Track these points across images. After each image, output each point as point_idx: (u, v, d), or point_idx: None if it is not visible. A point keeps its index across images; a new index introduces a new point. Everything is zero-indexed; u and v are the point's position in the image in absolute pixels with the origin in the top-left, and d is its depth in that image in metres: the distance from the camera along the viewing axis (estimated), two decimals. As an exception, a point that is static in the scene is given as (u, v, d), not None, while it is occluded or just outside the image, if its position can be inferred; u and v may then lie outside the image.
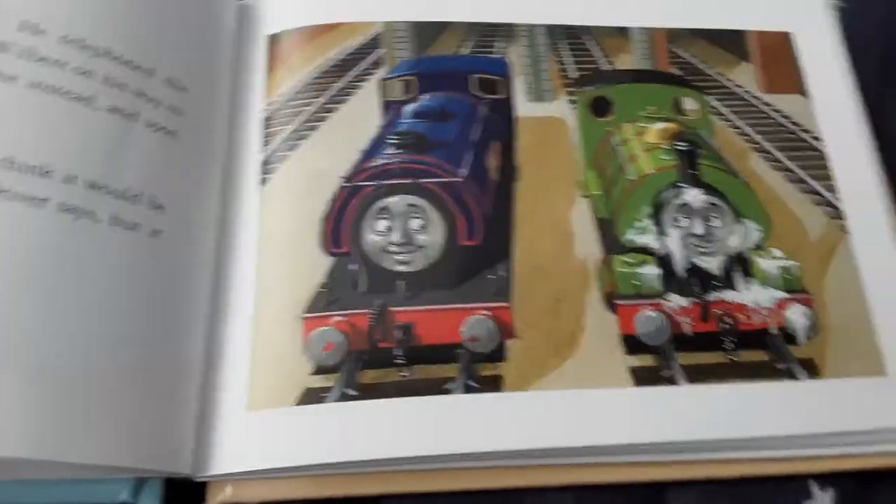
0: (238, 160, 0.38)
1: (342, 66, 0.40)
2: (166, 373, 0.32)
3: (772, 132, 0.41)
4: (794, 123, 0.41)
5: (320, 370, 0.34)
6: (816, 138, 0.41)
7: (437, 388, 0.33)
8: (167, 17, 0.37)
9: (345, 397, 0.33)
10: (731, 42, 0.43)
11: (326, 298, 0.35)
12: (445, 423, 0.33)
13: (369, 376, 0.34)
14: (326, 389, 0.33)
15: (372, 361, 0.34)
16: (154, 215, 0.34)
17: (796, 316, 0.36)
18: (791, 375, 0.35)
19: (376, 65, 0.41)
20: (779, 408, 0.34)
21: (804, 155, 0.41)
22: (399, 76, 0.40)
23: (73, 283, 0.30)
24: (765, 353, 0.36)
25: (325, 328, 0.34)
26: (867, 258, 0.38)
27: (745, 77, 0.42)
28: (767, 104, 0.42)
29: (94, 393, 0.30)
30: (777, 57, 0.43)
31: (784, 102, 0.42)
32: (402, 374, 0.34)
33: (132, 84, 0.34)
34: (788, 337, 0.36)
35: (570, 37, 0.42)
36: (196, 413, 0.33)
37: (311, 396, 0.33)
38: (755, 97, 0.42)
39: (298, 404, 0.33)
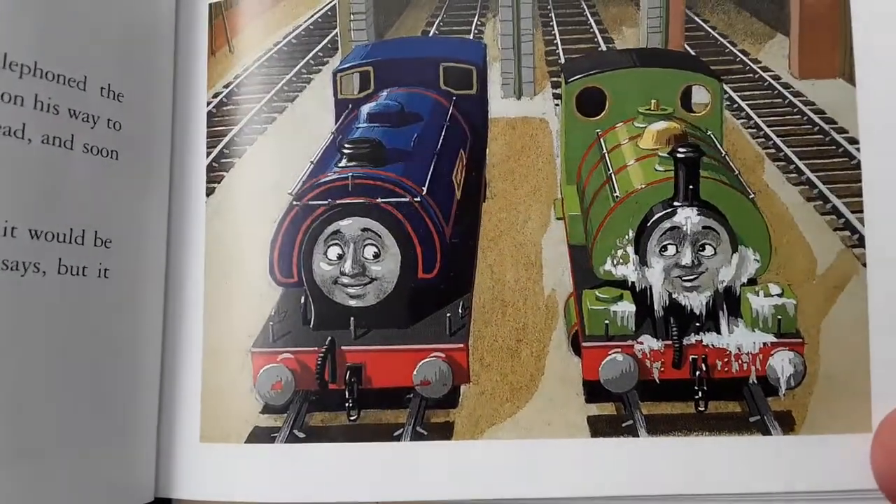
0: (183, 166, 0.36)
1: (292, 53, 0.36)
2: (124, 411, 0.33)
3: (796, 132, 0.35)
4: (828, 120, 0.35)
5: (269, 409, 0.34)
6: (852, 140, 0.35)
7: (386, 434, 0.34)
8: (90, 15, 0.33)
9: (293, 439, 0.34)
10: (767, 5, 0.36)
11: (275, 332, 0.34)
12: (393, 470, 0.33)
13: (318, 419, 0.34)
14: (276, 430, 0.34)
15: (320, 403, 0.34)
16: (100, 253, 0.32)
17: (781, 364, 0.34)
18: (763, 430, 0.33)
19: (330, 51, 0.36)
20: (742, 464, 0.33)
21: (831, 163, 0.35)
22: (354, 67, 0.35)
23: (24, 338, 0.30)
24: (738, 404, 0.34)
25: (274, 365, 0.34)
26: (882, 297, 0.34)
27: (776, 56, 0.35)
28: (798, 94, 0.35)
29: (63, 457, 0.31)
30: (823, 27, 0.35)
31: (821, 91, 0.35)
32: (350, 418, 0.34)
33: (64, 103, 0.31)
34: (770, 387, 0.34)
35: (564, 5, 0.36)
36: (155, 444, 0.34)
37: (261, 436, 0.34)
38: (784, 85, 0.35)
39: (248, 442, 0.34)
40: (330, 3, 0.36)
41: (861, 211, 0.34)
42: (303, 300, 0.34)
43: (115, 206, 0.33)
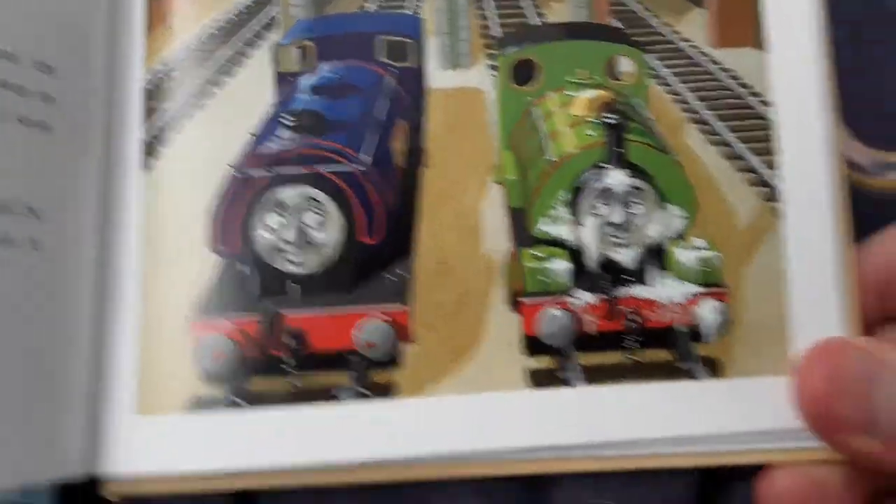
0: (119, 142, 0.36)
1: (230, 30, 0.36)
2: (51, 384, 0.33)
3: (715, 97, 0.37)
4: (743, 85, 0.37)
5: (209, 377, 0.34)
6: (765, 103, 0.37)
7: (328, 396, 0.34)
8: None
9: (235, 406, 0.34)
10: (684, -20, 0.38)
11: (215, 302, 0.35)
12: (335, 431, 0.34)
13: (259, 385, 0.34)
14: (216, 398, 0.34)
15: (261, 369, 0.34)
16: (32, 225, 0.32)
17: (706, 312, 0.35)
18: (691, 375, 0.35)
19: (269, 26, 0.37)
20: (672, 408, 0.35)
21: (747, 124, 0.37)
22: (294, 42, 0.36)
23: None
24: (669, 352, 0.35)
25: (214, 335, 0.34)
26: (797, 248, 0.36)
27: (694, 28, 0.38)
28: (715, 62, 0.38)
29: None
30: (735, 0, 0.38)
31: (735, 58, 0.38)
32: (292, 382, 0.34)
33: None
34: (698, 334, 0.35)
35: (495, -19, 0.37)
36: (86, 417, 0.34)
37: (201, 404, 0.34)
38: (702, 53, 0.38)
39: (188, 411, 0.34)
40: (269, -21, 0.37)
41: (774, 168, 0.37)
42: (243, 269, 0.35)
43: (48, 178, 0.33)
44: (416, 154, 0.36)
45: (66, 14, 0.35)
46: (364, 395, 0.34)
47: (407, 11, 0.37)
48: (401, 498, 0.36)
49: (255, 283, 0.35)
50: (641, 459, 0.35)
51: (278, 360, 0.34)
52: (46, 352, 0.33)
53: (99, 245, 0.35)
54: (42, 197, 0.33)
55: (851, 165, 0.43)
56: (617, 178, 0.36)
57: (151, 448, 0.34)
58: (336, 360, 0.35)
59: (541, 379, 0.35)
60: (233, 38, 0.36)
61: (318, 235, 0.35)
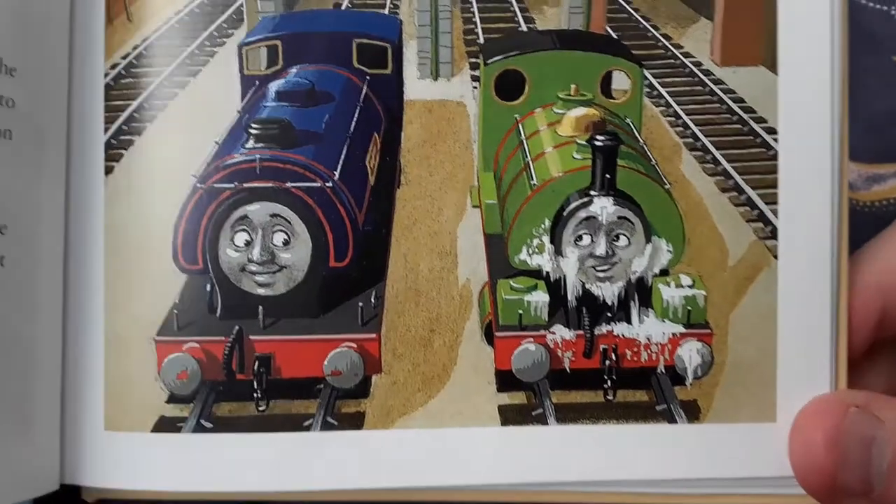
0: (81, 144, 0.34)
1: (194, 23, 0.34)
2: (23, 400, 0.32)
3: (715, 121, 0.35)
4: (747, 109, 0.35)
5: (175, 399, 0.34)
6: (771, 130, 0.35)
7: (295, 424, 0.33)
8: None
9: (200, 428, 0.33)
10: (692, -14, 0.35)
11: (179, 321, 0.34)
12: (302, 460, 0.33)
13: (225, 409, 0.34)
14: (182, 419, 0.33)
15: (228, 394, 0.34)
16: (-3, 240, 0.31)
17: (688, 354, 0.34)
18: (670, 418, 0.34)
19: (235, 23, 0.34)
20: (647, 452, 0.34)
21: (748, 154, 0.35)
22: (261, 41, 0.33)
23: None
24: (646, 393, 0.35)
25: (179, 354, 0.33)
26: (791, 289, 0.34)
27: (698, 41, 0.35)
28: (719, 81, 0.35)
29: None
30: (747, 11, 0.35)
31: (741, 79, 0.35)
32: (259, 408, 0.34)
33: None
34: (678, 377, 0.34)
35: (485, -18, 0.34)
36: (58, 433, 0.34)
37: (167, 425, 0.33)
38: (705, 72, 0.35)
39: (154, 431, 0.33)
40: (236, -31, 0.34)
41: (775, 202, 0.35)
42: (209, 288, 0.34)
43: (9, 190, 0.31)
44: (389, 171, 0.34)
45: (27, 10, 0.32)
46: (332, 425, 0.34)
47: (383, 11, 0.34)
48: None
49: (221, 303, 0.34)
50: (612, 496, 0.35)
51: (245, 386, 0.34)
52: (14, 369, 0.32)
53: (63, 258, 0.34)
54: (4, 210, 0.31)
55: (841, 182, 0.42)
56: (603, 207, 0.34)
57: (121, 464, 0.33)
58: (304, 387, 0.34)
59: (512, 415, 0.34)
60: (196, 33, 0.33)
61: (285, 256, 0.34)
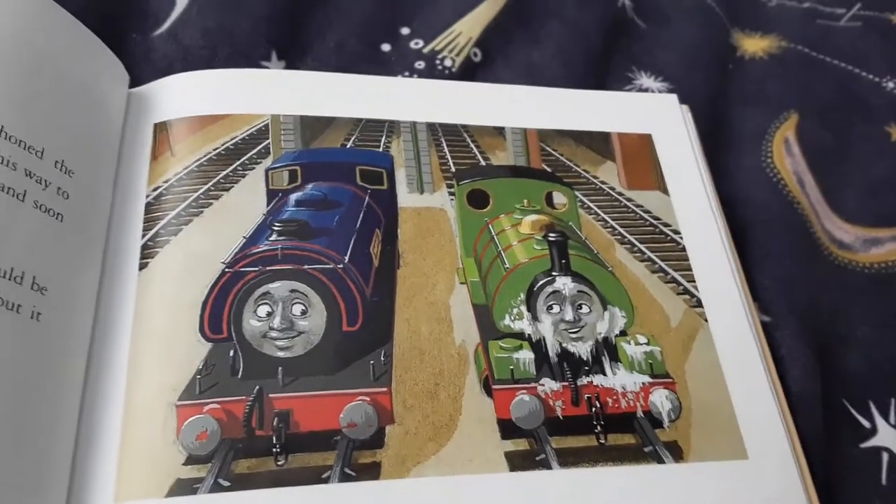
0: (119, 245, 0.39)
1: (228, 156, 0.42)
2: (37, 461, 0.32)
3: (634, 226, 0.46)
4: (655, 218, 0.47)
5: (193, 460, 0.34)
6: (676, 232, 0.46)
7: (313, 477, 0.34)
8: (57, 102, 0.39)
9: (218, 488, 0.33)
10: (595, 142, 0.49)
11: (202, 385, 0.36)
12: (321, 513, 0.33)
13: (244, 466, 0.34)
14: (199, 480, 0.33)
15: (247, 450, 0.35)
16: (36, 297, 0.34)
17: (660, 400, 0.40)
18: (658, 459, 0.38)
19: (263, 154, 0.43)
20: (645, 491, 0.37)
21: (665, 247, 0.46)
22: (284, 166, 0.43)
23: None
24: (632, 436, 0.39)
25: (199, 416, 0.35)
26: (725, 345, 0.43)
27: (608, 174, 0.48)
28: (629, 200, 0.47)
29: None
30: (638, 156, 0.49)
31: (645, 198, 0.48)
32: (278, 463, 0.34)
33: (22, 163, 0.35)
34: (655, 420, 0.39)
35: (450, 134, 0.47)
36: (65, 498, 0.32)
37: (183, 487, 0.33)
38: (619, 193, 0.47)
39: (169, 496, 0.33)
40: (263, 121, 0.44)
41: (694, 281, 0.45)
42: (231, 353, 0.36)
43: (54, 260, 0.36)
44: (390, 257, 0.41)
45: (89, 132, 0.40)
46: (349, 476, 0.35)
47: (379, 150, 0.45)
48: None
49: (243, 366, 0.36)
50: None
51: (264, 442, 0.35)
52: (36, 424, 0.32)
53: (92, 327, 0.36)
54: (48, 275, 0.34)
55: (841, 245, 0.48)
56: (564, 283, 0.42)
57: None
58: (321, 440, 0.35)
59: (518, 461, 0.37)
60: (230, 161, 0.42)
61: (302, 323, 0.38)
